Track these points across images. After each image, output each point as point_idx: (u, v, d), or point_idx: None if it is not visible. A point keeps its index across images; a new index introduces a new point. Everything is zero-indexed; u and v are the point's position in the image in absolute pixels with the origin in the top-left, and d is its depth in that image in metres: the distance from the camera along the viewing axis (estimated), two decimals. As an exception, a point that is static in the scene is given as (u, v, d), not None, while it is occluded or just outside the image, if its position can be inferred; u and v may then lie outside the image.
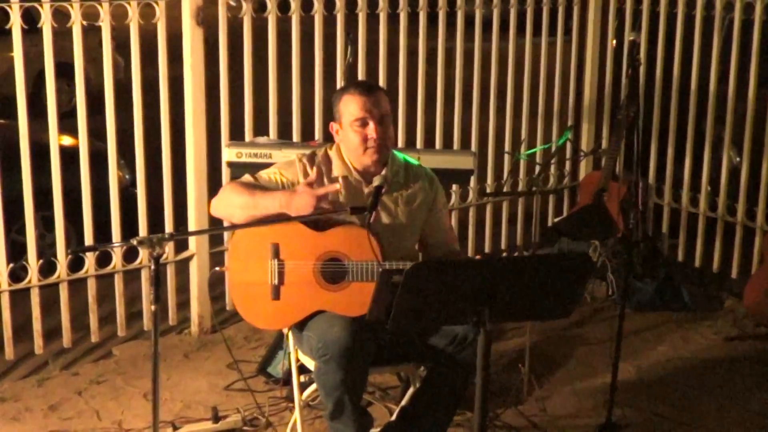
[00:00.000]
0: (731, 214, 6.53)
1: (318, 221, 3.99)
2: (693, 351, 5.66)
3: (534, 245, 5.51)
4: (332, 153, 4.10)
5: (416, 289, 3.21)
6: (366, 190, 4.05)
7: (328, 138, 5.43)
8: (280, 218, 3.95)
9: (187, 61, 5.40)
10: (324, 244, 3.95)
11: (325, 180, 4.04)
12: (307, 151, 4.17)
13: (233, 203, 3.96)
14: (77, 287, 5.41)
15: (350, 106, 3.99)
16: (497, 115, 6.58)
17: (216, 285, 5.32)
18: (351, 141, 4.01)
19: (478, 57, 6.37)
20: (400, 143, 6.05)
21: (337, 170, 4.07)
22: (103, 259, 5.42)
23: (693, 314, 6.10)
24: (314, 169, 4.03)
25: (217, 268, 4.35)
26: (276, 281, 3.97)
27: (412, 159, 4.35)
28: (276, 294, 3.98)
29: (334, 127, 4.09)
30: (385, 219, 4.08)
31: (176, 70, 5.41)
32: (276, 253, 3.96)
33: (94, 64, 5.42)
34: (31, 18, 4.94)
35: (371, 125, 3.97)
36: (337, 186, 3.98)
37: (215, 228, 5.82)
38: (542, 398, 5.02)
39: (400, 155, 4.25)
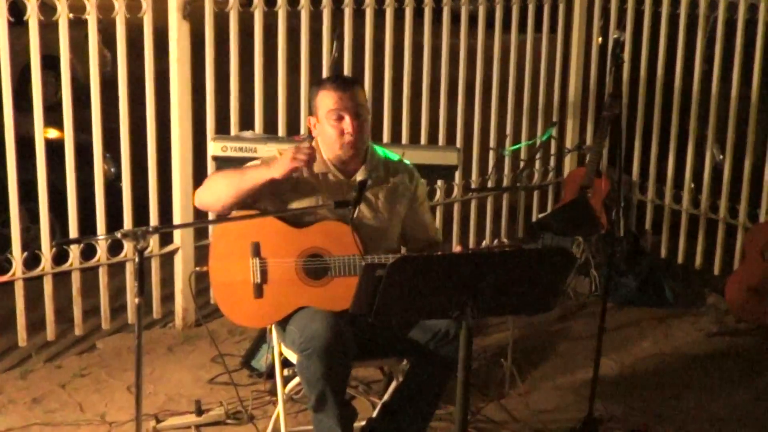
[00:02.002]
0: (714, 211, 6.57)
1: (297, 218, 4.02)
2: (675, 346, 5.69)
3: (518, 240, 5.53)
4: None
5: (399, 283, 3.23)
6: (346, 186, 4.06)
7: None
8: (262, 213, 3.98)
9: (173, 54, 5.39)
10: (305, 241, 3.97)
11: (308, 175, 4.06)
12: (288, 146, 4.19)
13: (219, 183, 3.99)
14: (61, 280, 5.40)
15: (326, 100, 4.01)
16: (482, 110, 6.59)
17: (199, 280, 5.32)
18: (328, 135, 4.03)
19: (463, 53, 6.39)
20: (385, 138, 6.06)
21: (317, 167, 4.08)
22: (88, 252, 5.42)
23: (675, 310, 6.14)
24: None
25: (197, 268, 4.35)
26: (258, 279, 3.98)
27: (394, 154, 4.36)
28: (259, 292, 3.99)
29: (311, 121, 4.11)
30: (366, 214, 4.09)
31: (162, 64, 5.41)
32: (257, 252, 3.97)
33: (81, 58, 5.41)
34: (17, 10, 4.94)
35: (347, 119, 3.99)
36: (310, 146, 3.99)
37: (200, 221, 5.84)
38: (524, 393, 5.05)
39: (379, 150, 4.26)
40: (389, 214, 4.14)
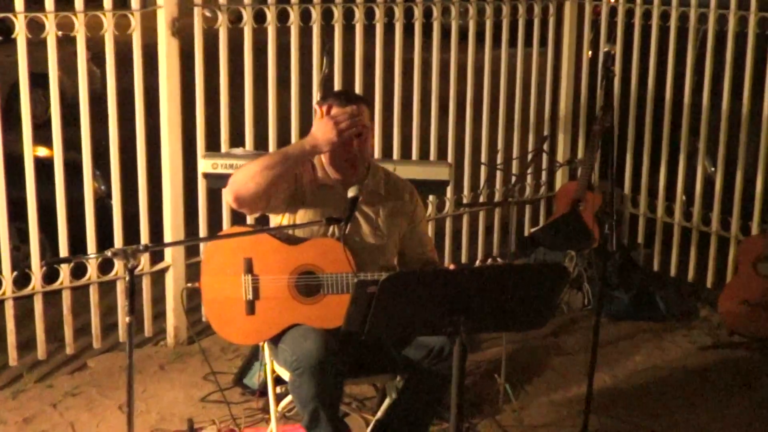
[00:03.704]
0: (706, 224, 6.57)
1: (290, 236, 4.00)
2: (668, 360, 5.68)
3: (510, 255, 5.52)
4: (315, 161, 4.11)
5: (391, 300, 3.22)
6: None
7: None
8: (260, 229, 3.96)
9: (162, 71, 5.39)
10: (298, 258, 3.95)
11: (314, 186, 4.06)
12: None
13: (257, 167, 3.84)
14: (52, 299, 5.38)
15: None
16: (473, 125, 6.59)
17: (192, 296, 5.31)
18: (330, 151, 4.01)
19: (454, 68, 6.39)
20: (377, 154, 6.05)
21: (320, 178, 4.07)
22: (78, 271, 5.39)
23: (668, 324, 6.13)
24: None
25: (188, 285, 4.33)
26: (250, 296, 3.96)
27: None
28: (251, 309, 3.97)
29: None
30: (365, 230, 4.08)
31: (152, 81, 5.40)
32: (249, 268, 3.95)
33: (70, 75, 5.40)
34: (5, 29, 4.92)
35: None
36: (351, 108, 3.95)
37: (191, 239, 5.82)
38: (518, 408, 5.03)
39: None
40: (389, 231, 4.12)
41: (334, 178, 4.07)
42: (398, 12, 6.02)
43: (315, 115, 4.10)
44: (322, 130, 3.89)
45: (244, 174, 3.87)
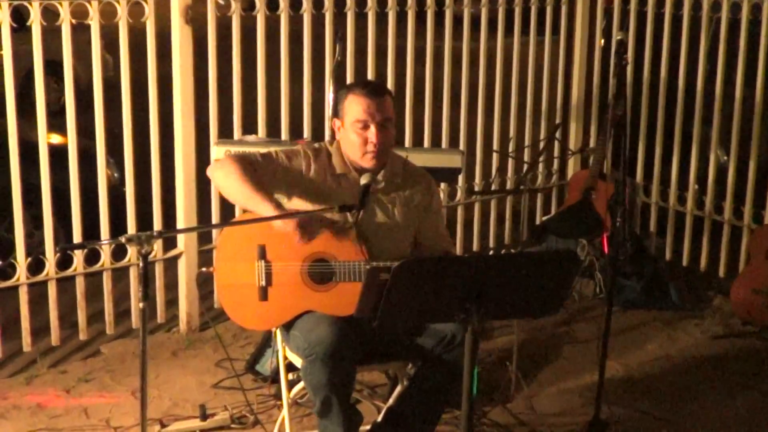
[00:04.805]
0: (718, 213, 6.56)
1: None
2: (680, 349, 5.68)
3: (522, 243, 5.52)
4: (333, 149, 4.10)
5: (404, 287, 3.22)
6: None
7: (317, 136, 5.48)
8: (273, 216, 3.97)
9: (175, 59, 5.39)
10: (311, 245, 3.95)
11: (328, 175, 4.06)
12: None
13: (233, 182, 3.89)
14: (66, 285, 5.40)
15: (354, 107, 3.97)
16: (485, 113, 6.58)
17: (204, 283, 5.33)
18: (351, 141, 4.01)
19: (466, 56, 6.38)
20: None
21: (338, 168, 4.07)
22: (92, 257, 5.41)
23: (680, 313, 6.12)
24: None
25: (203, 269, 4.35)
26: (263, 282, 3.98)
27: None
28: (264, 295, 3.98)
29: (336, 123, 4.09)
30: (381, 219, 4.08)
31: (165, 68, 5.41)
32: (263, 255, 3.97)
33: (84, 63, 5.41)
34: (20, 16, 4.93)
35: (372, 129, 3.96)
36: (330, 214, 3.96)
37: (204, 225, 5.84)
38: (530, 396, 5.04)
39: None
40: (404, 221, 4.12)
41: (352, 167, 4.07)
42: (410, 0, 6.02)
43: (334, 126, 4.09)
44: (290, 226, 3.87)
45: (225, 173, 3.91)
